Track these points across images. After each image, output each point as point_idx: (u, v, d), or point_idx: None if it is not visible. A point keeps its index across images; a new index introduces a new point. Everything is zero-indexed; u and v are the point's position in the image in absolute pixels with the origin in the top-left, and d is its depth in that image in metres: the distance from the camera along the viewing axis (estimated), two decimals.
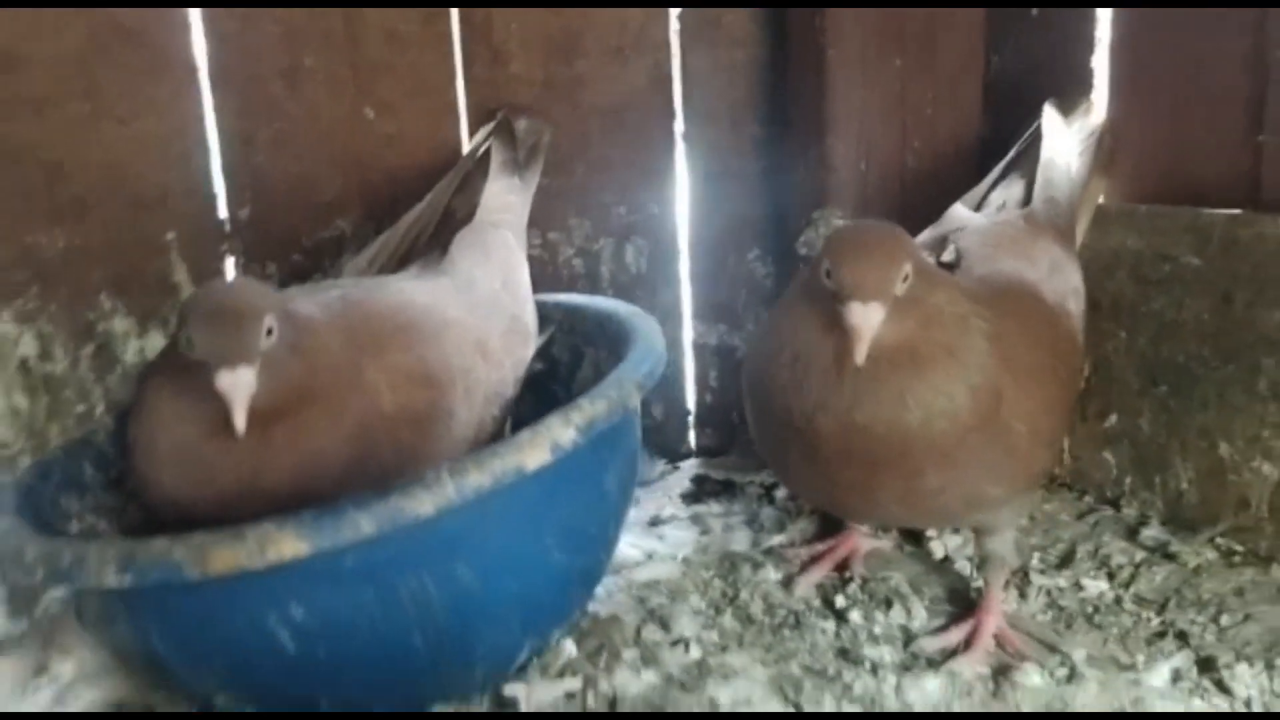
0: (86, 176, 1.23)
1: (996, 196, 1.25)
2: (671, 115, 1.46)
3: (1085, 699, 0.93)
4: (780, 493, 1.36)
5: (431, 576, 0.86)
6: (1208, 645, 1.02)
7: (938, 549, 1.23)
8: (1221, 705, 0.94)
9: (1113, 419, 1.30)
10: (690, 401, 1.54)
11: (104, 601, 0.90)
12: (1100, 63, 1.33)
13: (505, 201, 1.27)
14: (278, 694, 0.91)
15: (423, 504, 0.81)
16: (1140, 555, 1.19)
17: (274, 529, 0.79)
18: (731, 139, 1.48)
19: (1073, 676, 0.97)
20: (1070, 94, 1.32)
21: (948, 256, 1.10)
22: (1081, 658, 1.00)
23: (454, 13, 1.35)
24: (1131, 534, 1.23)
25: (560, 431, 0.87)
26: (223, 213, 1.30)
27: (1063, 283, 1.11)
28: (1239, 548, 1.17)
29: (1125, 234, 1.26)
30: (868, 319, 0.87)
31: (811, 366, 0.92)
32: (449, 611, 0.88)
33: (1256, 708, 0.93)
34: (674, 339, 1.51)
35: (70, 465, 1.06)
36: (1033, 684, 0.96)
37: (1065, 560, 1.19)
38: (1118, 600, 1.11)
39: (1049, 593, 1.14)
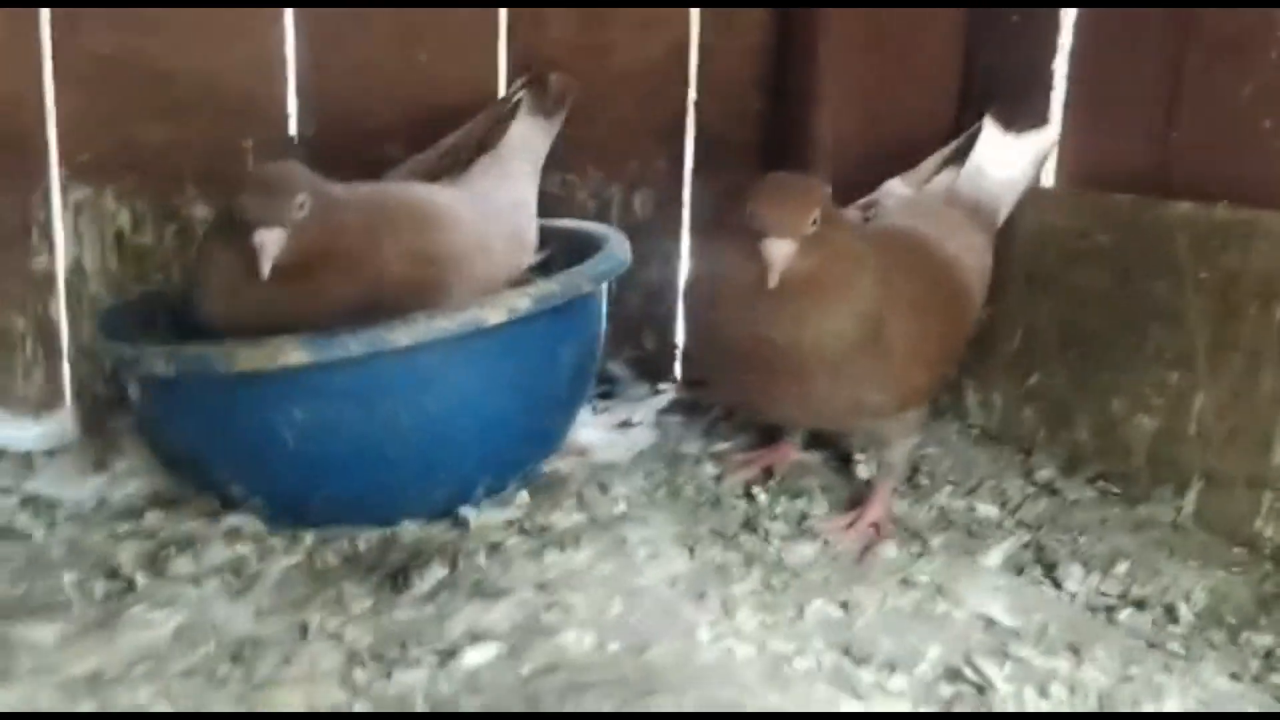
0: (187, 84, 1.50)
1: (939, 180, 1.44)
2: (686, 84, 1.67)
3: (927, 569, 1.12)
4: (739, 416, 1.56)
5: (403, 403, 1.09)
6: (1059, 555, 1.19)
7: (862, 471, 1.42)
8: (1048, 593, 1.11)
9: (1034, 378, 1.48)
10: (679, 337, 1.75)
11: (158, 403, 1.16)
12: (1060, 66, 1.51)
13: (527, 139, 1.49)
14: (279, 486, 1.15)
15: (399, 336, 1.05)
16: (1031, 490, 1.36)
17: (286, 341, 1.03)
18: (737, 110, 1.69)
19: (923, 554, 1.16)
20: (1026, 99, 1.51)
21: (869, 214, 1.30)
22: (938, 543, 1.19)
23: None
24: (1029, 474, 1.40)
25: (516, 299, 1.10)
26: (293, 129, 1.55)
27: (962, 242, 1.31)
28: (1116, 490, 1.34)
29: (1056, 215, 1.44)
30: (780, 252, 1.07)
31: (730, 289, 1.12)
32: (416, 433, 1.11)
33: (1080, 603, 1.10)
34: (670, 281, 1.72)
35: (145, 308, 1.33)
36: (888, 555, 1.15)
37: (969, 493, 1.37)
38: (1000, 523, 1.29)
39: (943, 509, 1.32)
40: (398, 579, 1.05)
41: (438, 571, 1.07)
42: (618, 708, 0.85)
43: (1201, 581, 1.11)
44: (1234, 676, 0.96)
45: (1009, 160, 1.47)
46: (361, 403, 1.08)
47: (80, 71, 1.47)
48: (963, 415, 1.59)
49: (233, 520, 1.18)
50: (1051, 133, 1.51)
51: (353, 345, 1.04)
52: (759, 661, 0.94)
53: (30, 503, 1.21)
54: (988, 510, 1.31)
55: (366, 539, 1.15)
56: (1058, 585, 1.13)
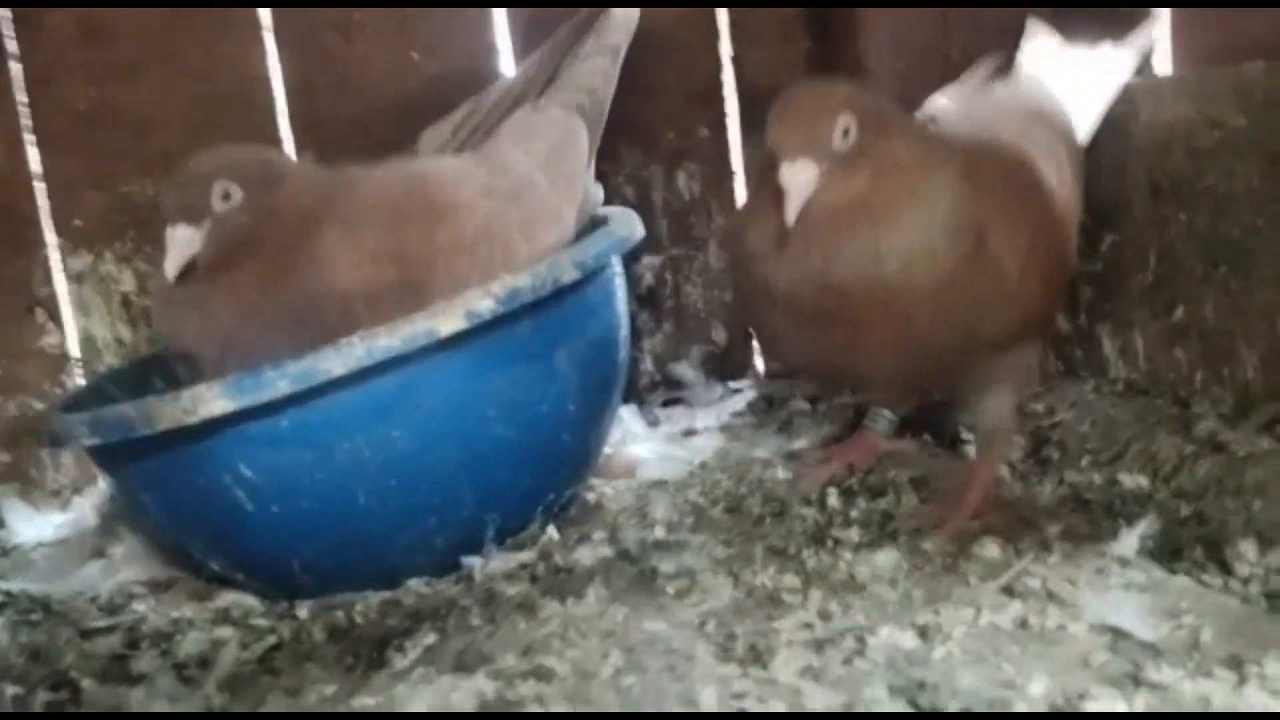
0: (169, 130, 1.38)
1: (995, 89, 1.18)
2: (716, 37, 1.46)
3: (1039, 570, 0.86)
4: (822, 405, 1.33)
5: (365, 438, 0.92)
6: (1229, 529, 0.91)
7: (972, 452, 1.15)
8: (1211, 583, 0.84)
9: (1180, 310, 1.18)
10: None
11: (118, 479, 1.03)
12: None
13: (590, 84, 1.20)
14: (252, 556, 0.99)
15: (334, 364, 0.87)
16: (1190, 449, 1.07)
17: (204, 390, 0.88)
18: (782, 57, 1.46)
19: (1037, 550, 0.90)
20: None
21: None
22: (1058, 532, 0.92)
23: None
24: (1187, 430, 1.11)
25: (477, 300, 0.91)
26: (289, 155, 1.41)
27: (1042, 147, 1.04)
28: None
29: (1178, 105, 1.15)
30: (794, 177, 0.85)
31: (778, 237, 0.90)
32: (388, 473, 0.93)
33: (1255, 593, 0.83)
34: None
35: (140, 374, 1.19)
36: (989, 556, 0.90)
37: (1110, 462, 1.10)
38: (1150, 495, 1.02)
39: (1075, 487, 1.05)
40: (375, 654, 0.88)
41: (427, 639, 0.89)
42: None
43: None
44: None
45: (1084, 74, 1.19)
46: (316, 447, 0.91)
47: (61, 132, 1.37)
48: (1100, 369, 1.29)
49: (223, 600, 1.03)
50: (1152, 29, 1.21)
51: (281, 383, 0.87)
52: None
53: (11, 603, 1.09)
54: (1134, 481, 1.04)
55: (365, 606, 0.98)
56: (1226, 569, 0.85)
